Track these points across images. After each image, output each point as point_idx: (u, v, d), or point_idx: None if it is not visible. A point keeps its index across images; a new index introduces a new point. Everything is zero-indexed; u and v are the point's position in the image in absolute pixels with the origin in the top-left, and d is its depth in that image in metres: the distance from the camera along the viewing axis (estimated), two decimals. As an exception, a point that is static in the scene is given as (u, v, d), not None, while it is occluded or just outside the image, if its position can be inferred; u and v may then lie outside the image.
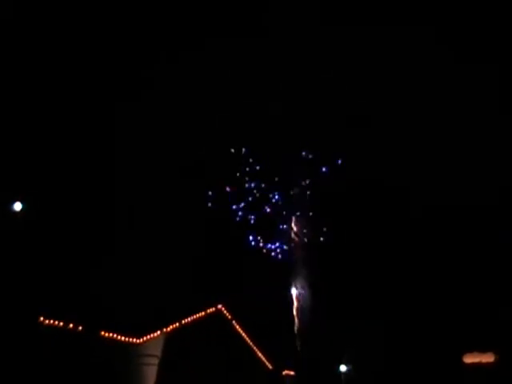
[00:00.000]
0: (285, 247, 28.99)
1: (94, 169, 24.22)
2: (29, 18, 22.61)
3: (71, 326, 18.08)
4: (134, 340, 20.41)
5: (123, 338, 20.01)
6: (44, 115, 22.59)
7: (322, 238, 28.26)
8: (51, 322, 17.62)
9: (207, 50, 26.52)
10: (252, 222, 28.70)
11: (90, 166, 24.11)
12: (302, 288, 28.68)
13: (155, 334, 21.25)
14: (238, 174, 28.51)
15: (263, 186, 28.57)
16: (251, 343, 26.56)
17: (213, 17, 26.28)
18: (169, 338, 21.88)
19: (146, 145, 25.65)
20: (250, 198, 28.61)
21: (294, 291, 28.85)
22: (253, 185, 28.49)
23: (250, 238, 28.62)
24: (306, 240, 28.86)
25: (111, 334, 19.56)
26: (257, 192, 28.62)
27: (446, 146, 27.94)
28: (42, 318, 17.35)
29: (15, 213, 18.04)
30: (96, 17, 24.73)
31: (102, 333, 19.27)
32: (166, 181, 26.34)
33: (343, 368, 29.61)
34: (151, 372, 21.31)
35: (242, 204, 28.65)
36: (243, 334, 26.11)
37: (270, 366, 27.86)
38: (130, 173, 25.28)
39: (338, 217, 28.28)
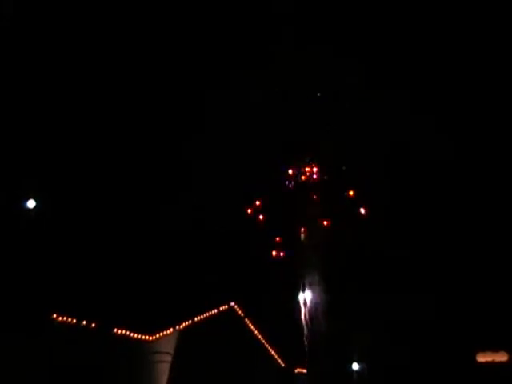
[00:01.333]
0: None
1: (108, 166, 24.21)
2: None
3: (84, 322, 18.12)
4: (147, 337, 20.44)
5: (136, 335, 20.04)
6: (59, 113, 22.61)
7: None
8: (64, 318, 17.67)
9: None
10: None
11: (104, 164, 24.10)
12: (312, 285, 28.64)
13: (168, 331, 21.26)
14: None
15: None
16: (263, 341, 26.54)
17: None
18: (181, 335, 21.90)
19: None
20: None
21: (304, 288, 28.79)
22: None
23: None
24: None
25: (124, 331, 19.60)
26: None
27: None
28: (54, 315, 17.40)
29: (29, 210, 18.12)
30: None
31: (115, 330, 19.31)
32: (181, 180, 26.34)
33: (356, 366, 29.58)
34: (164, 369, 21.34)
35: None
36: (255, 332, 26.09)
37: (283, 364, 27.85)
38: (142, 171, 25.28)
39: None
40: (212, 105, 26.52)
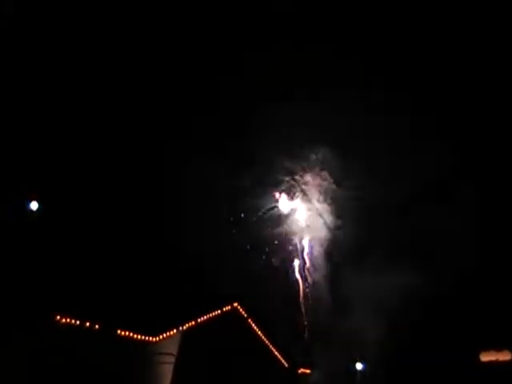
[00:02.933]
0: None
1: (109, 168, 24.28)
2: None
3: (87, 324, 18.13)
4: (151, 338, 20.43)
5: (139, 337, 20.03)
6: (61, 115, 22.69)
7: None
8: (67, 320, 17.68)
9: None
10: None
11: (106, 166, 24.17)
12: (315, 283, 28.76)
13: (171, 333, 21.25)
14: None
15: None
16: (267, 341, 26.52)
17: None
18: (185, 336, 21.90)
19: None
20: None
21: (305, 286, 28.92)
22: None
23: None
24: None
25: (127, 333, 19.60)
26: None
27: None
28: (58, 316, 17.41)
29: (32, 212, 18.16)
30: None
31: (119, 331, 19.32)
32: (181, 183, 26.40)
33: (359, 366, 29.57)
34: (167, 370, 21.34)
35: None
36: (259, 332, 26.07)
37: (286, 364, 27.82)
38: (146, 169, 25.36)
39: None
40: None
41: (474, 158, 28.46)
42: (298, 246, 29.54)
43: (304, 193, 29.28)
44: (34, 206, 18.45)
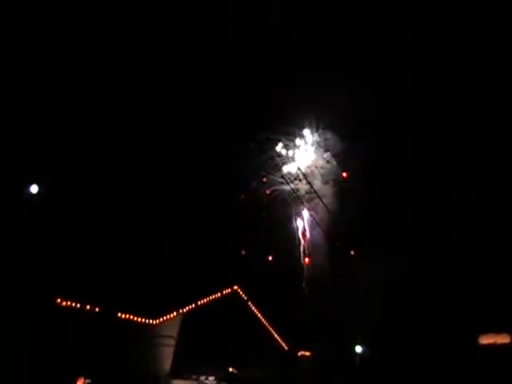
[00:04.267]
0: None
1: (107, 151, 24.29)
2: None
3: (88, 307, 18.27)
4: (151, 321, 20.59)
5: (140, 320, 20.19)
6: (59, 101, 22.68)
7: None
8: (68, 303, 17.81)
9: None
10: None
11: (104, 149, 24.19)
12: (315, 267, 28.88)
13: (171, 315, 21.41)
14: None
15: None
16: (267, 324, 26.62)
17: None
18: (185, 319, 22.03)
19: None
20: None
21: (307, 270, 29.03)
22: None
23: None
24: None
25: (128, 316, 19.75)
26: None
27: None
28: (59, 300, 17.53)
29: (32, 195, 18.20)
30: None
31: (119, 314, 19.46)
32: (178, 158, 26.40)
33: (359, 349, 29.66)
34: (168, 352, 21.50)
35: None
36: (259, 315, 26.17)
37: (286, 347, 27.95)
38: (142, 155, 25.34)
39: None
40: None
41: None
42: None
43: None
44: (33, 189, 18.47)
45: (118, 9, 24.36)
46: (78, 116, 23.20)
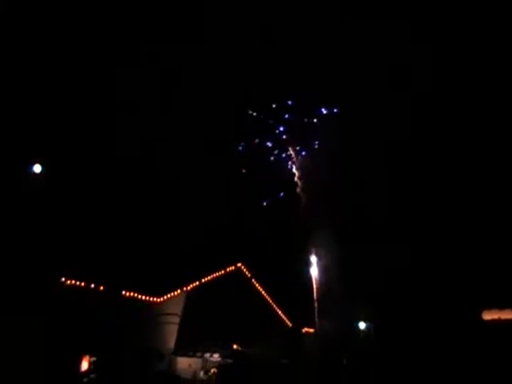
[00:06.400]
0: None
1: (112, 131, 24.22)
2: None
3: (92, 286, 18.30)
4: (155, 299, 20.66)
5: (144, 297, 20.25)
6: (61, 82, 22.65)
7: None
8: (72, 282, 17.83)
9: None
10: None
11: (109, 129, 24.12)
12: (320, 248, 28.78)
13: (176, 293, 21.48)
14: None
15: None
16: (271, 301, 26.70)
17: None
18: (189, 297, 22.08)
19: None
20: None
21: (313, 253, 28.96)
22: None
23: None
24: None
25: (132, 294, 19.80)
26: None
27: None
28: (63, 279, 17.55)
29: (36, 175, 18.11)
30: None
31: (124, 292, 19.51)
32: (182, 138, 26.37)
33: (362, 325, 29.73)
34: (172, 330, 21.59)
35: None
36: (263, 292, 26.23)
37: (290, 324, 28.05)
38: (150, 135, 25.33)
39: None
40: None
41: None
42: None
43: None
44: (37, 168, 18.37)
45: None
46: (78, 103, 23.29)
